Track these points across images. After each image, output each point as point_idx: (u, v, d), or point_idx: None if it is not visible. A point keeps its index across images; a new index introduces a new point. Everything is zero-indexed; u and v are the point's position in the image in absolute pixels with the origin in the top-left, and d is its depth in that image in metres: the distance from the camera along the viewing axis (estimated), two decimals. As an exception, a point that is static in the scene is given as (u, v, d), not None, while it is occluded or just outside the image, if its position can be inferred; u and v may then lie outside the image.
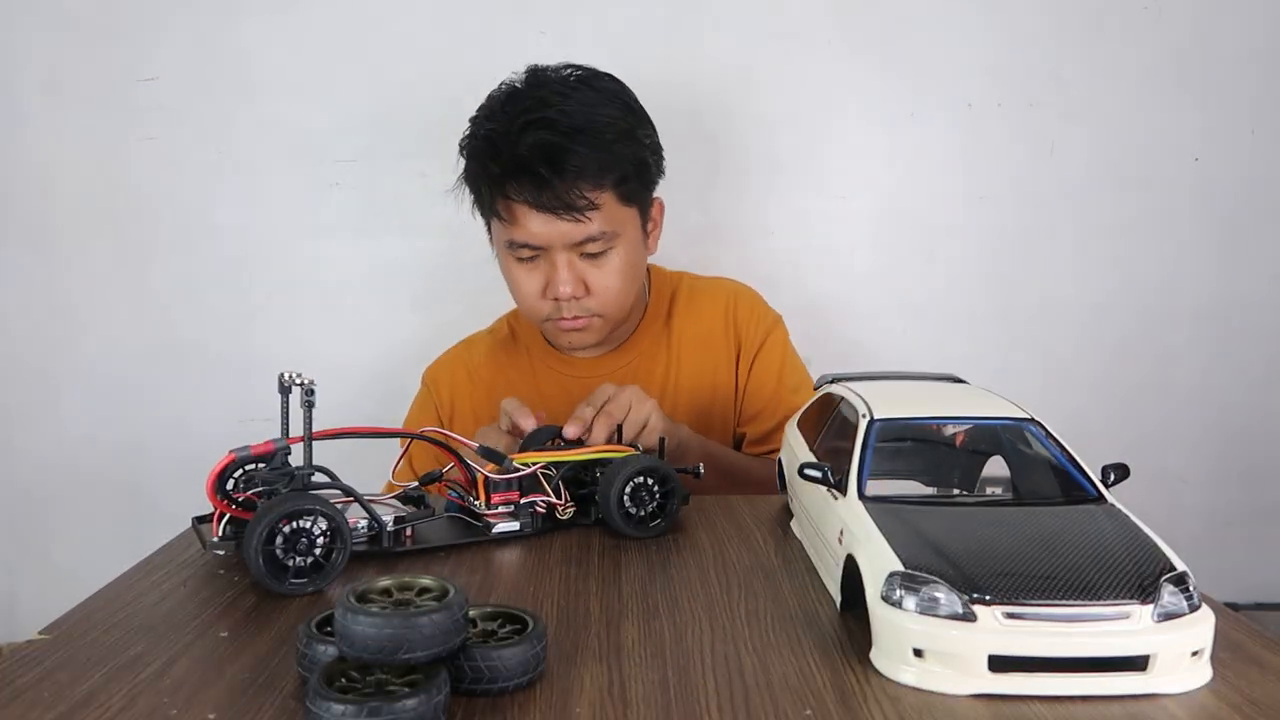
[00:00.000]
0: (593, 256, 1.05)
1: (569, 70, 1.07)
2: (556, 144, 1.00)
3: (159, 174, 1.45)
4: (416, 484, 0.79)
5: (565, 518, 0.78)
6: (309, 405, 0.66)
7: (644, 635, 0.58)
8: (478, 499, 0.76)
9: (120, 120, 1.43)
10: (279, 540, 0.63)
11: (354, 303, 1.49)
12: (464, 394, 1.20)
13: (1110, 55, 1.45)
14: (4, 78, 1.43)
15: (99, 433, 1.50)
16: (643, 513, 0.77)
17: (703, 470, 0.86)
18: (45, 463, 1.51)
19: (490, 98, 1.08)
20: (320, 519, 0.64)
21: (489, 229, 1.13)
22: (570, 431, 0.86)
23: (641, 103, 1.10)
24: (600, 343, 1.15)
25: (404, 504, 0.78)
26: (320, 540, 0.64)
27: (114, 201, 1.46)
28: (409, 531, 0.73)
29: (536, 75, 1.06)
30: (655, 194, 1.14)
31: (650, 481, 0.77)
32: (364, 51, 1.44)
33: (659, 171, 1.12)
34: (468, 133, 1.09)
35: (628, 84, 1.11)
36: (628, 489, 0.76)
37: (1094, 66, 1.45)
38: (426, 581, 0.51)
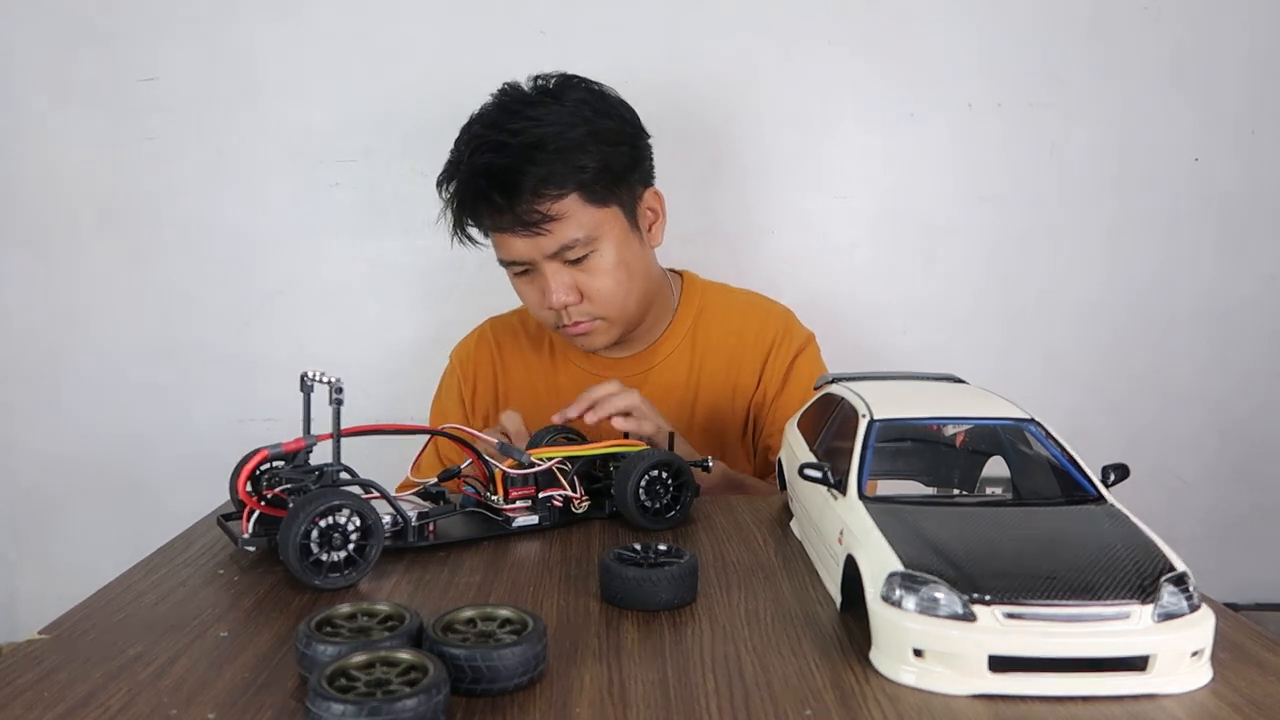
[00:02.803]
0: (577, 262, 1.05)
1: (539, 81, 1.07)
2: (503, 165, 1.00)
3: (159, 174, 1.45)
4: (436, 480, 0.81)
5: (580, 511, 0.79)
6: (338, 403, 0.68)
7: (644, 635, 0.58)
8: (495, 494, 0.77)
9: (120, 120, 1.44)
10: (314, 536, 0.63)
11: (354, 303, 1.49)
12: (486, 373, 1.21)
13: (1110, 55, 1.45)
14: (4, 78, 1.43)
15: (100, 432, 1.50)
16: (658, 505, 0.78)
17: (712, 463, 0.88)
18: (46, 462, 1.51)
19: (464, 125, 1.08)
20: (354, 514, 0.65)
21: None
22: (571, 411, 0.90)
23: (622, 99, 1.09)
24: (619, 343, 1.15)
25: (424, 500, 0.79)
26: (353, 535, 0.65)
27: (114, 201, 1.46)
28: (431, 527, 0.74)
29: (503, 94, 1.07)
30: (649, 186, 1.12)
31: (664, 475, 0.79)
32: (364, 52, 1.44)
33: (638, 165, 1.10)
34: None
35: (626, 84, 1.10)
36: (643, 483, 0.77)
37: (1094, 66, 1.45)
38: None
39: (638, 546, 0.65)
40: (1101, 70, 1.45)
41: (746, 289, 1.25)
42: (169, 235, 1.46)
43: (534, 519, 0.77)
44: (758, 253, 1.47)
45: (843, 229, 1.48)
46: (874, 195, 1.48)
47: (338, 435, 0.69)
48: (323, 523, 0.64)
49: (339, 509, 0.64)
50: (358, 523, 0.65)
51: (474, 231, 1.09)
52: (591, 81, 1.08)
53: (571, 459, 0.81)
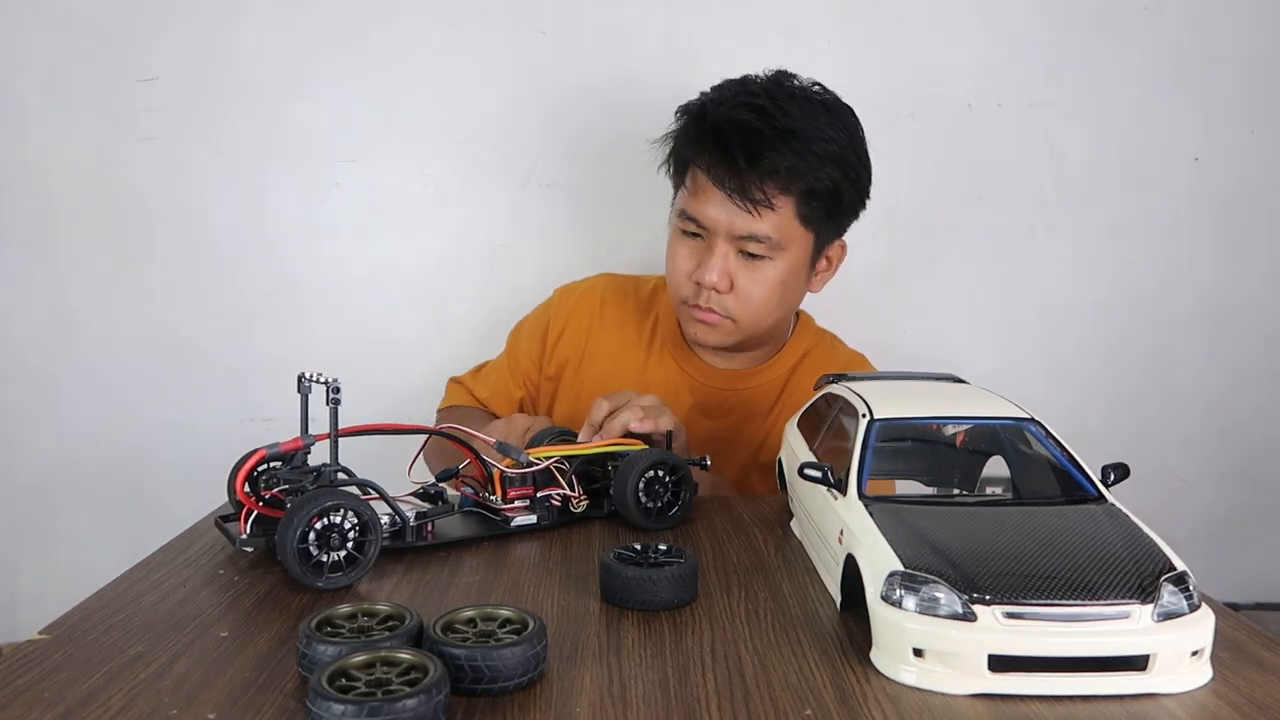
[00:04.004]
0: (750, 258, 1.03)
1: (816, 86, 1.06)
2: (759, 132, 0.99)
3: (159, 174, 1.45)
4: (434, 480, 0.81)
5: (579, 510, 0.79)
6: (336, 403, 0.68)
7: (644, 635, 0.58)
8: (493, 494, 0.77)
9: (120, 120, 1.43)
10: (311, 538, 0.63)
11: (354, 303, 1.49)
12: (580, 329, 1.19)
13: (1110, 55, 1.45)
14: (4, 78, 1.43)
15: (99, 433, 1.49)
16: (657, 505, 0.78)
17: (709, 461, 0.87)
18: (46, 462, 1.51)
19: (728, 79, 1.07)
20: (350, 513, 0.65)
21: (673, 198, 1.11)
22: (583, 439, 0.88)
23: (866, 147, 1.09)
24: (725, 351, 1.12)
25: (422, 500, 0.79)
26: (351, 534, 0.65)
27: (114, 201, 1.45)
28: (430, 526, 0.74)
29: (779, 75, 1.06)
30: (841, 239, 1.12)
31: (663, 474, 0.79)
32: (364, 51, 1.44)
33: (852, 213, 1.09)
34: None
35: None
36: (642, 482, 0.77)
37: (1094, 66, 1.45)
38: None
39: (638, 546, 0.65)
40: (1101, 70, 1.45)
41: (857, 350, 1.23)
42: (169, 235, 1.46)
43: (532, 518, 0.77)
44: (758, 253, 1.47)
45: (843, 229, 1.48)
46: (874, 195, 1.48)
47: (335, 435, 0.69)
48: (319, 524, 0.64)
49: (335, 509, 0.64)
50: (354, 521, 0.65)
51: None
52: (858, 117, 1.08)
53: (570, 458, 0.80)
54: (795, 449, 0.77)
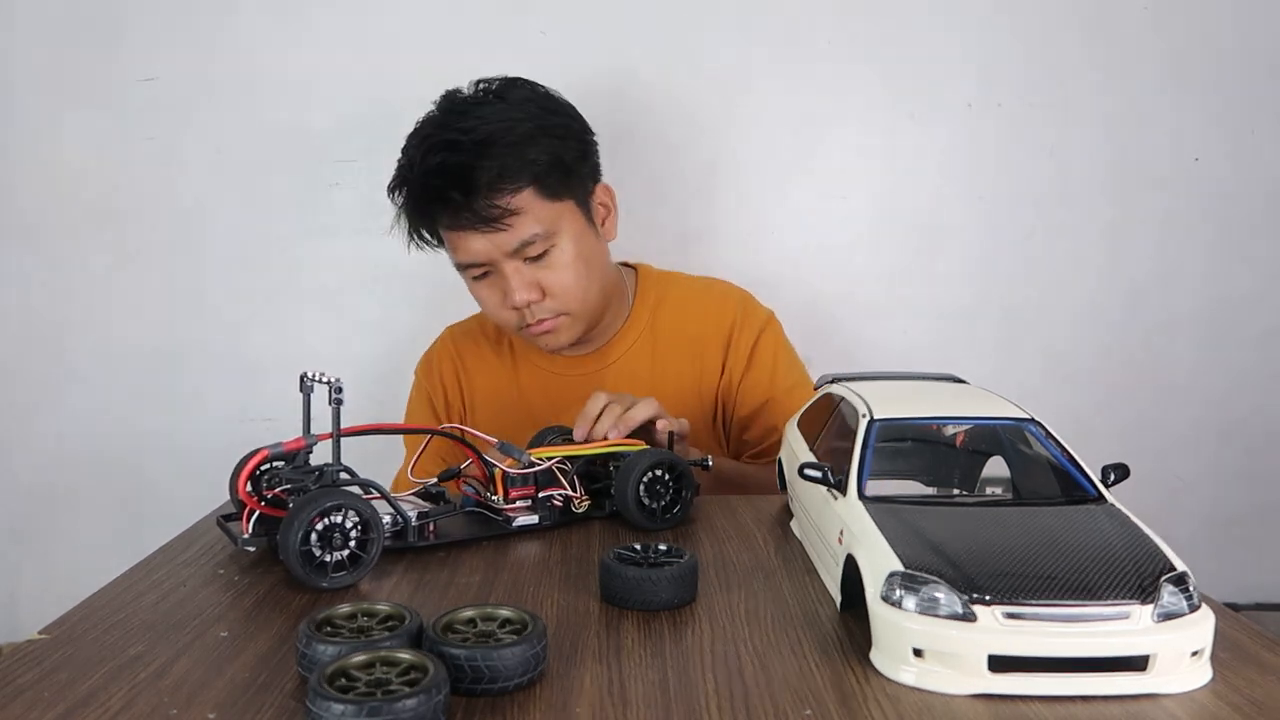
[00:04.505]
0: (537, 259, 1.05)
1: (482, 85, 1.07)
2: (458, 163, 1.00)
3: (159, 174, 1.45)
4: (436, 480, 0.81)
5: (581, 511, 0.79)
6: (338, 403, 0.68)
7: (644, 635, 0.58)
8: (495, 494, 0.77)
9: (120, 120, 1.43)
10: (314, 539, 0.63)
11: (354, 303, 1.49)
12: (453, 386, 1.21)
13: (1110, 55, 1.45)
14: (4, 78, 1.43)
15: (100, 432, 1.50)
16: (658, 505, 0.78)
17: (712, 462, 0.88)
18: (45, 462, 1.51)
19: (409, 134, 1.08)
20: (351, 513, 0.65)
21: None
22: (578, 433, 0.88)
23: (566, 99, 1.10)
24: (581, 341, 1.15)
25: (424, 500, 0.79)
26: (353, 533, 0.65)
27: (114, 201, 1.45)
28: (432, 527, 0.74)
29: (446, 99, 1.07)
30: (599, 181, 1.13)
31: (664, 474, 0.79)
32: (364, 51, 1.44)
33: (587, 159, 1.10)
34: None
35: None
36: (643, 482, 0.77)
37: (1094, 66, 1.45)
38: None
39: (638, 546, 0.65)
40: (1101, 70, 1.45)
41: (704, 275, 1.25)
42: (169, 235, 1.46)
43: (534, 519, 0.77)
44: (758, 253, 1.47)
45: (843, 229, 1.48)
46: (874, 195, 1.48)
47: (338, 435, 0.69)
48: (320, 524, 0.64)
49: (336, 509, 0.64)
50: (356, 520, 0.65)
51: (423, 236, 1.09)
52: (534, 83, 1.09)
53: (571, 458, 0.80)
54: (795, 449, 0.77)
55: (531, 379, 1.19)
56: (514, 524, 0.76)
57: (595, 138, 1.12)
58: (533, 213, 1.03)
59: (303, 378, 0.71)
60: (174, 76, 1.43)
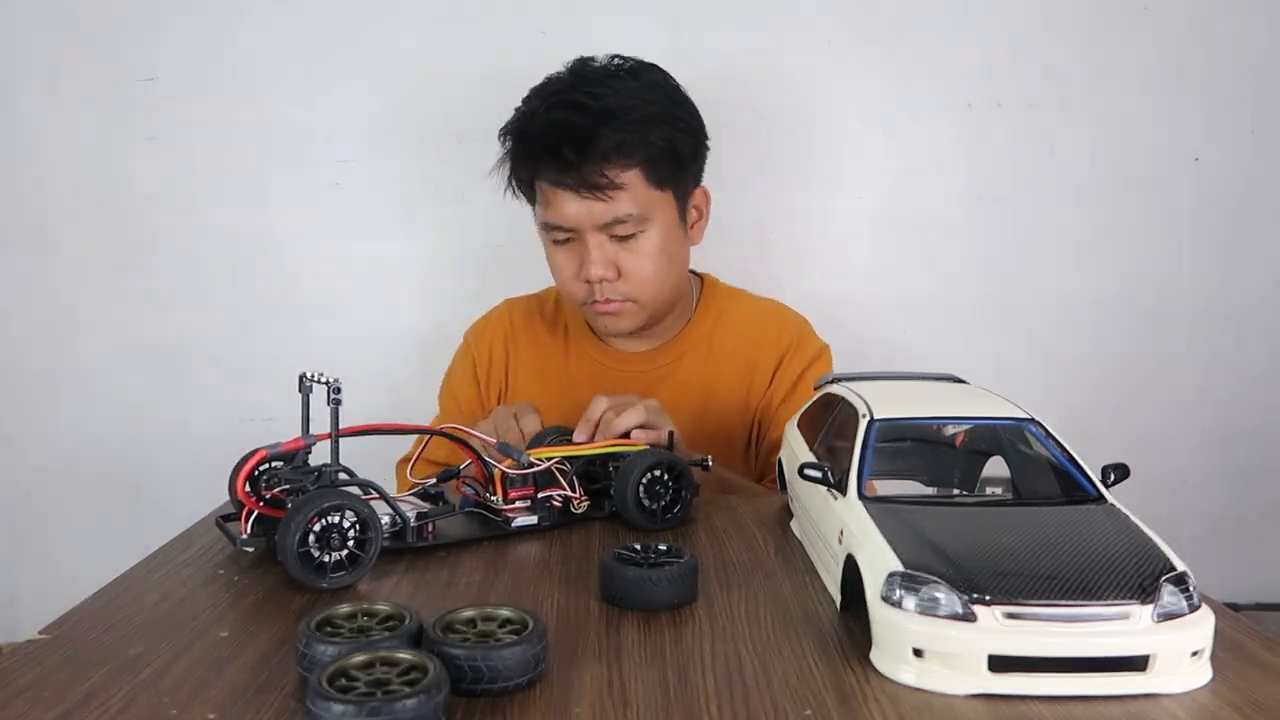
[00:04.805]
0: (624, 239, 1.05)
1: (615, 60, 1.08)
2: (579, 125, 1.01)
3: (159, 174, 1.45)
4: (435, 480, 0.80)
5: (580, 511, 0.79)
6: (336, 403, 0.68)
7: (644, 635, 0.58)
8: (494, 494, 0.77)
9: (120, 120, 1.43)
10: (311, 539, 0.63)
11: (354, 303, 1.49)
12: (500, 357, 1.21)
13: (1110, 55, 1.45)
14: (4, 78, 1.43)
15: (99, 433, 1.50)
16: (658, 505, 0.78)
17: (711, 462, 0.87)
18: (45, 462, 1.51)
19: (533, 87, 1.09)
20: (349, 513, 0.65)
21: (533, 211, 1.13)
22: (579, 436, 0.88)
23: (688, 94, 1.11)
24: (638, 334, 1.14)
25: (423, 500, 0.79)
26: (352, 534, 0.65)
27: (114, 201, 1.46)
28: (430, 527, 0.74)
29: (579, 63, 1.08)
30: (700, 184, 1.14)
31: (664, 475, 0.78)
32: (364, 51, 1.44)
33: (697, 158, 1.11)
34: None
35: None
36: (643, 483, 0.77)
37: (1094, 66, 1.45)
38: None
39: (638, 546, 0.65)
40: (1101, 70, 1.45)
41: (769, 298, 1.25)
42: (169, 235, 1.46)
43: (533, 519, 0.77)
44: (758, 252, 1.47)
45: (842, 229, 1.48)
46: (874, 195, 1.48)
47: (336, 435, 0.69)
48: (319, 525, 0.64)
49: (335, 509, 0.64)
50: (354, 520, 0.65)
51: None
52: (667, 72, 1.10)
53: (571, 459, 0.80)
54: (795, 449, 0.77)
55: (581, 366, 1.18)
56: (513, 524, 0.76)
57: (710, 142, 1.13)
58: (634, 192, 1.04)
59: (301, 378, 0.71)
60: (174, 76, 1.43)
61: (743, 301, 1.23)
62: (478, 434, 0.79)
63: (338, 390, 0.68)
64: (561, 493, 0.78)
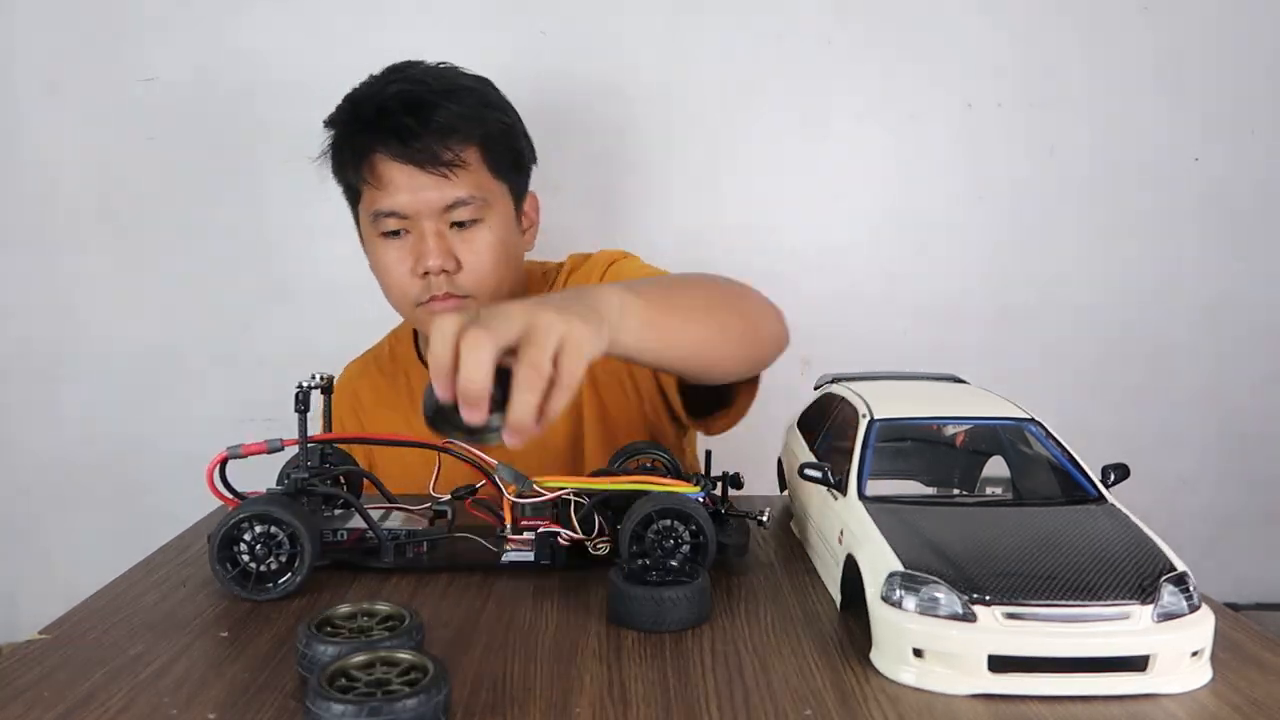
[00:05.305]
0: (462, 227, 1.00)
1: (443, 64, 1.06)
2: (422, 96, 0.98)
3: (159, 174, 1.45)
4: (449, 497, 0.74)
5: (600, 553, 0.68)
6: (303, 411, 0.67)
7: (644, 635, 0.58)
8: (504, 523, 0.69)
9: (120, 120, 1.43)
10: (243, 546, 0.63)
11: (354, 303, 1.49)
12: (352, 423, 1.14)
13: (1110, 55, 1.45)
14: (4, 78, 1.43)
15: (99, 432, 1.49)
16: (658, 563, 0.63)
17: (765, 518, 0.71)
18: (45, 462, 1.51)
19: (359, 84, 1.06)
20: (271, 526, 0.63)
21: (356, 218, 1.09)
22: (441, 392, 0.60)
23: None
24: None
25: (433, 519, 0.74)
26: (272, 546, 0.63)
27: (114, 201, 1.45)
28: (422, 547, 0.70)
29: (405, 60, 1.05)
30: (529, 190, 1.10)
31: (675, 525, 0.64)
32: (364, 51, 1.43)
33: (530, 158, 1.08)
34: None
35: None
36: (647, 536, 0.64)
37: (1094, 66, 1.45)
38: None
39: (646, 561, 0.61)
40: (1101, 70, 1.45)
41: (577, 253, 1.17)
42: (169, 235, 1.46)
43: (528, 555, 0.68)
44: (757, 252, 1.47)
45: (843, 229, 1.48)
46: (874, 195, 1.48)
47: (304, 441, 0.68)
48: (247, 535, 0.63)
49: (257, 520, 0.63)
50: (265, 533, 0.63)
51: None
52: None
53: (589, 491, 0.68)
54: (795, 449, 0.77)
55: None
56: (502, 559, 0.69)
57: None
58: (475, 174, 1.00)
59: (297, 395, 0.68)
60: (174, 76, 1.43)
61: (569, 267, 1.14)
62: (482, 454, 0.69)
63: (307, 394, 0.67)
64: (570, 534, 0.67)
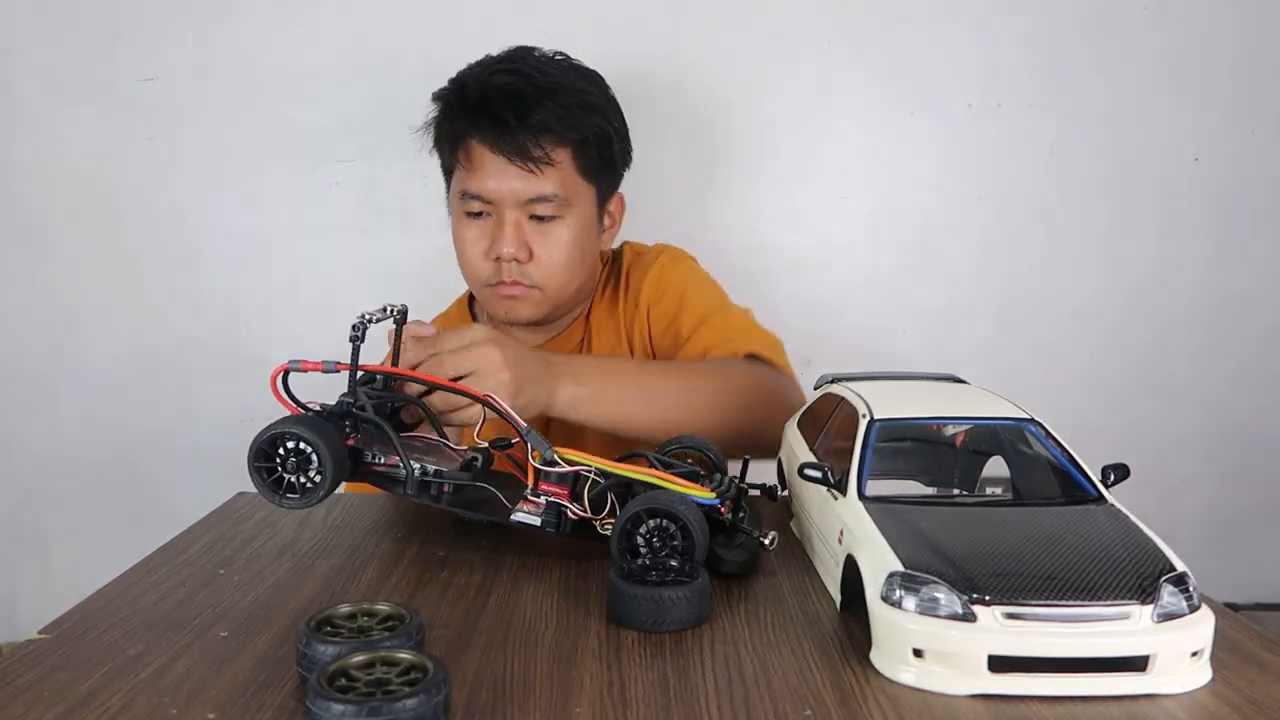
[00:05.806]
0: (541, 221, 1.03)
1: (559, 54, 1.08)
2: (523, 92, 1.00)
3: (159, 174, 1.45)
4: (488, 445, 0.74)
5: (607, 533, 0.68)
6: (355, 340, 0.70)
7: (644, 635, 0.58)
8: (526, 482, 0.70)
9: (120, 120, 1.43)
10: (277, 460, 0.66)
11: (354, 303, 1.48)
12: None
13: (1110, 55, 1.45)
14: (4, 78, 1.43)
15: (99, 432, 1.50)
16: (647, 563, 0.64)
17: (771, 542, 0.68)
18: (45, 462, 1.51)
19: (472, 62, 1.08)
20: (301, 443, 0.66)
21: (448, 189, 1.11)
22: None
23: (620, 104, 1.10)
24: (539, 324, 1.11)
25: (465, 466, 0.73)
26: (311, 463, 0.66)
27: (114, 201, 1.46)
28: (446, 488, 0.71)
29: (521, 47, 1.08)
30: (619, 190, 1.12)
31: (667, 524, 0.64)
32: (364, 51, 1.44)
33: (623, 161, 1.10)
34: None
35: (627, 83, 1.10)
36: (638, 535, 0.64)
37: (1094, 66, 1.45)
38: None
39: (646, 561, 0.62)
40: (1101, 70, 1.45)
41: (635, 244, 1.20)
42: (169, 235, 1.46)
43: (535, 519, 0.69)
44: (758, 252, 1.47)
45: (842, 229, 1.48)
46: (874, 195, 1.48)
47: (354, 369, 0.71)
48: (281, 449, 0.66)
49: (289, 437, 0.66)
50: (299, 449, 0.66)
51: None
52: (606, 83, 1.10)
53: (605, 473, 0.69)
54: (795, 449, 0.77)
55: None
56: (512, 517, 0.70)
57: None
58: (563, 173, 1.02)
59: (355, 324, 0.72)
60: (174, 76, 1.43)
61: (625, 264, 1.17)
62: (514, 415, 0.71)
63: (366, 325, 0.72)
64: (577, 508, 0.69)
